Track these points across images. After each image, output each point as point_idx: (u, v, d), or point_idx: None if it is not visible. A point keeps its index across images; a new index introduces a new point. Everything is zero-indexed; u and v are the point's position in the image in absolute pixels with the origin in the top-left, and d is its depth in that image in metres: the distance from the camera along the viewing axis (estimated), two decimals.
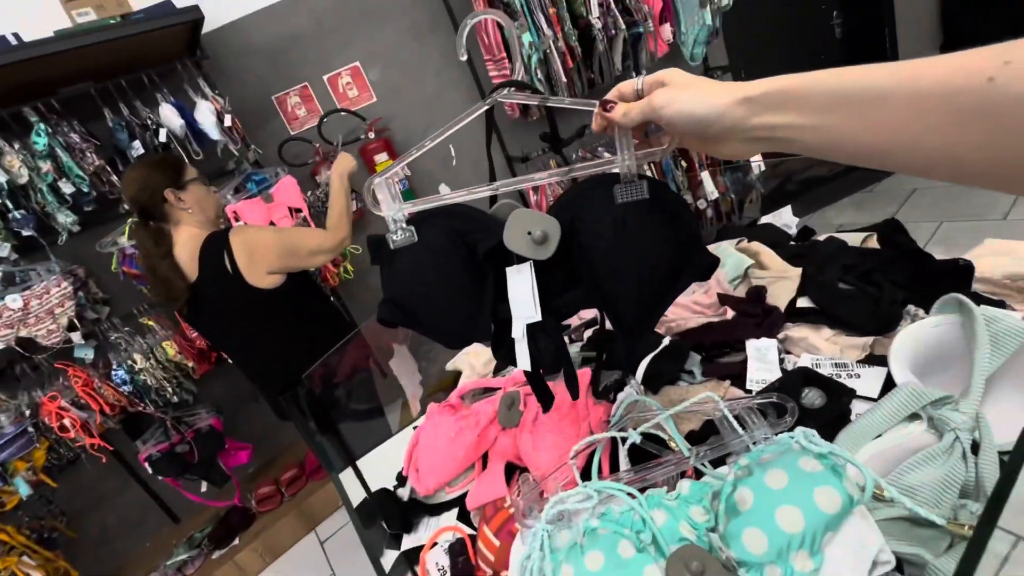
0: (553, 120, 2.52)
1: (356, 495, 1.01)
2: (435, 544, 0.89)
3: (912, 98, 0.34)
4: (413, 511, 0.99)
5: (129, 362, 2.23)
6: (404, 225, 0.62)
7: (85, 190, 2.06)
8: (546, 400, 0.75)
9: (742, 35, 3.18)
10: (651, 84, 0.51)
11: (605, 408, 0.88)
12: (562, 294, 0.62)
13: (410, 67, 2.73)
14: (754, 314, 0.95)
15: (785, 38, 3.44)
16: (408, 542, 0.95)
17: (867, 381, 0.76)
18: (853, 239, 1.06)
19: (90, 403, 2.14)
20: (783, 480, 0.51)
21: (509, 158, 2.80)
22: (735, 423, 0.61)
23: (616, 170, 0.57)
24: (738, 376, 0.86)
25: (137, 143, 2.13)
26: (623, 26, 2.42)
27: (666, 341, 0.95)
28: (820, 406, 0.72)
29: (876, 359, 0.79)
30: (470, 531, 0.88)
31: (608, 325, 0.68)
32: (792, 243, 1.19)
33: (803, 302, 0.94)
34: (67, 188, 2.03)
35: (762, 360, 0.86)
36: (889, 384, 0.71)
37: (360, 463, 1.12)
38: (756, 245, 1.15)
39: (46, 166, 1.98)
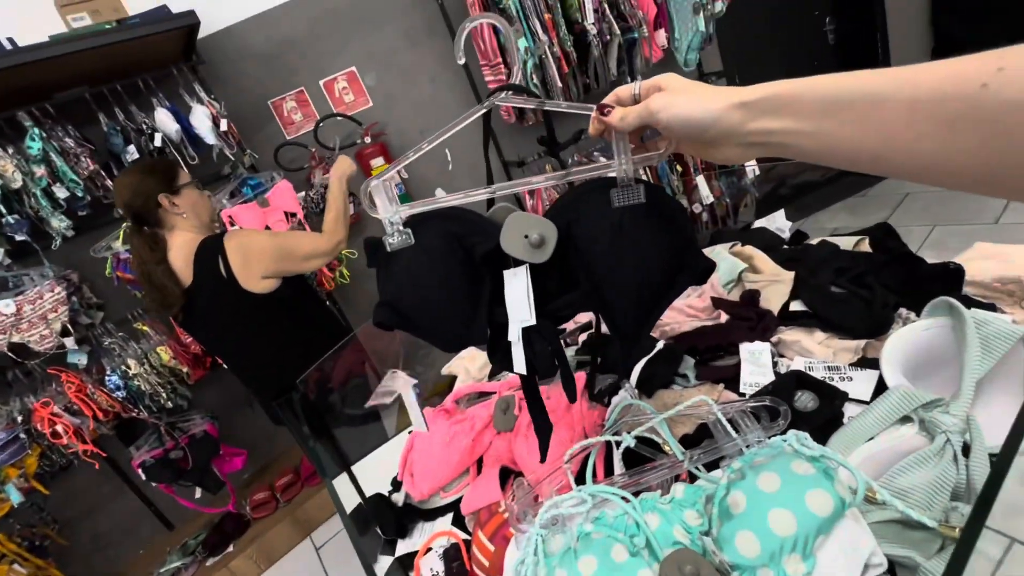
0: (550, 124, 2.53)
1: (351, 501, 1.01)
2: (429, 549, 0.88)
3: (907, 104, 0.35)
4: (408, 516, 0.99)
5: (123, 367, 2.22)
6: (401, 228, 0.61)
7: (79, 195, 2.05)
8: (538, 414, 0.72)
9: (736, 41, 3.21)
10: (648, 88, 0.51)
11: (600, 412, 0.89)
12: (558, 298, 0.62)
13: (406, 72, 2.74)
14: (748, 318, 0.96)
15: (778, 44, 3.47)
16: (403, 547, 0.95)
17: (859, 384, 0.76)
18: (846, 243, 1.07)
19: (83, 409, 2.13)
20: (775, 483, 0.52)
21: (505, 162, 2.81)
22: (729, 426, 0.62)
23: (613, 174, 0.57)
24: (732, 379, 0.87)
25: (132, 148, 2.12)
26: (618, 31, 2.43)
27: (660, 345, 0.95)
28: (813, 409, 0.73)
29: (868, 362, 0.79)
30: (465, 536, 0.88)
31: (604, 329, 0.68)
32: (785, 247, 1.19)
33: (796, 306, 0.95)
34: (61, 193, 2.03)
35: (755, 363, 0.86)
36: (881, 387, 0.71)
37: (355, 468, 1.12)
38: (750, 249, 1.16)
39: (40, 171, 1.97)
